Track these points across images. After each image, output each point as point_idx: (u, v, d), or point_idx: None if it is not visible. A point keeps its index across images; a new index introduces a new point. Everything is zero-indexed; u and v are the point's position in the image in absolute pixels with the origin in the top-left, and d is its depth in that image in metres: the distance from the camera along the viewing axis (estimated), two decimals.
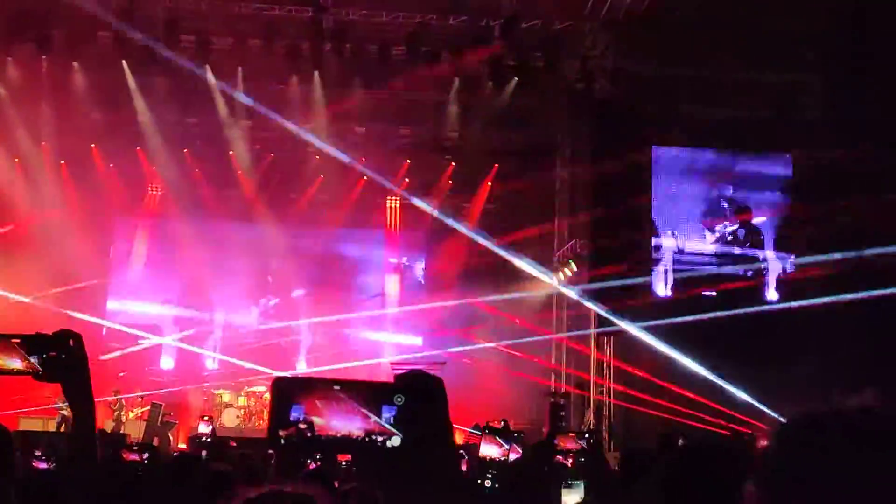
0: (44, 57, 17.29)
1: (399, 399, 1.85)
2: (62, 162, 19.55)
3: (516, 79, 17.85)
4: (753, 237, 18.08)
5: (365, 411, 1.84)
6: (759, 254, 18.08)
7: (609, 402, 17.87)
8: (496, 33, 17.50)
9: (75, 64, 17.61)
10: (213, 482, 5.01)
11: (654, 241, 17.77)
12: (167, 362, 20.50)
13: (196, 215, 20.16)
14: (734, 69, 16.80)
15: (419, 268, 21.74)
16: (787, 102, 17.68)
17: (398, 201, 20.92)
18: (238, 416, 19.20)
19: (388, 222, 21.15)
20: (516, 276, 19.15)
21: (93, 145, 19.28)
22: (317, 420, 1.85)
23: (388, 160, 19.78)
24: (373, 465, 1.94)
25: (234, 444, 14.76)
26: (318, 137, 19.31)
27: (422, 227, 20.94)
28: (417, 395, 1.84)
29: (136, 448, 7.78)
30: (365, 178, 20.20)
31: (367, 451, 1.84)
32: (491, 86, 18.06)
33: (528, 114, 18.48)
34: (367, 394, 1.87)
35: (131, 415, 18.88)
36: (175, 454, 13.29)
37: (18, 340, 2.66)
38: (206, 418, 16.61)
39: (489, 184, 20.74)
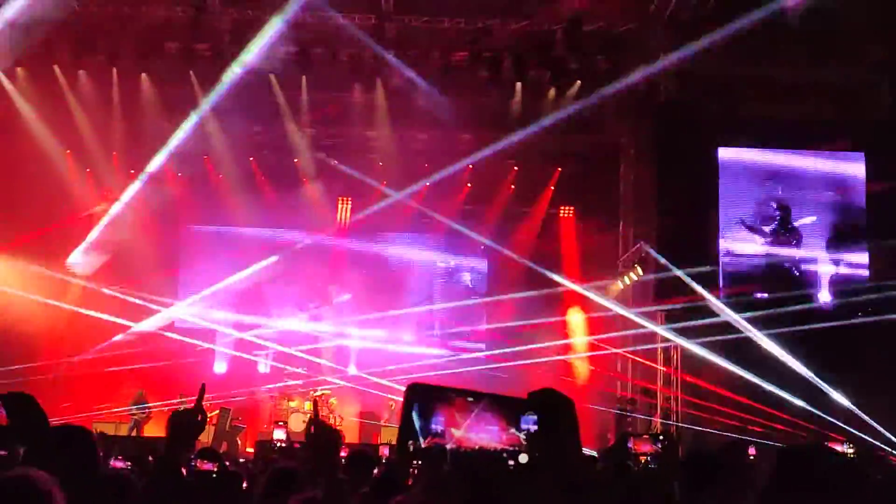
0: (114, 69, 17.62)
1: (531, 416, 1.86)
2: (132, 171, 19.93)
3: (579, 82, 17.77)
4: (808, 238, 17.71)
5: (502, 425, 1.84)
6: (812, 255, 17.67)
7: (676, 410, 17.66)
8: (559, 36, 17.43)
9: (144, 75, 17.93)
10: (279, 479, 5.07)
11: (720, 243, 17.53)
12: (220, 367, 20.78)
13: (261, 222, 20.46)
14: (799, 68, 16.54)
15: (480, 274, 21.71)
16: (854, 101, 17.34)
17: (459, 206, 20.93)
18: (304, 422, 19.36)
19: (449, 227, 21.13)
20: (580, 282, 19.07)
21: (161, 154, 19.59)
22: (455, 432, 1.85)
23: (450, 166, 19.82)
24: (503, 481, 1.93)
25: (299, 446, 14.94)
26: (381, 144, 19.48)
27: (484, 232, 20.92)
28: (549, 413, 1.85)
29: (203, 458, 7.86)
30: (427, 183, 20.28)
31: (498, 466, 1.84)
32: (554, 89, 17.98)
33: (591, 117, 18.36)
34: (502, 407, 1.87)
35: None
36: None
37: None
38: (280, 423, 16.76)
39: (552, 188, 20.68)
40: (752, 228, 17.47)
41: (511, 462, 1.84)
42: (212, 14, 16.85)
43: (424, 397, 1.88)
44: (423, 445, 1.86)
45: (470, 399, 1.88)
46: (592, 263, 20.30)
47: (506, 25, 17.21)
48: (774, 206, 17.63)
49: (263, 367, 20.73)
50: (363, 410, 19.96)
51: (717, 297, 16.83)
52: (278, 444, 15.52)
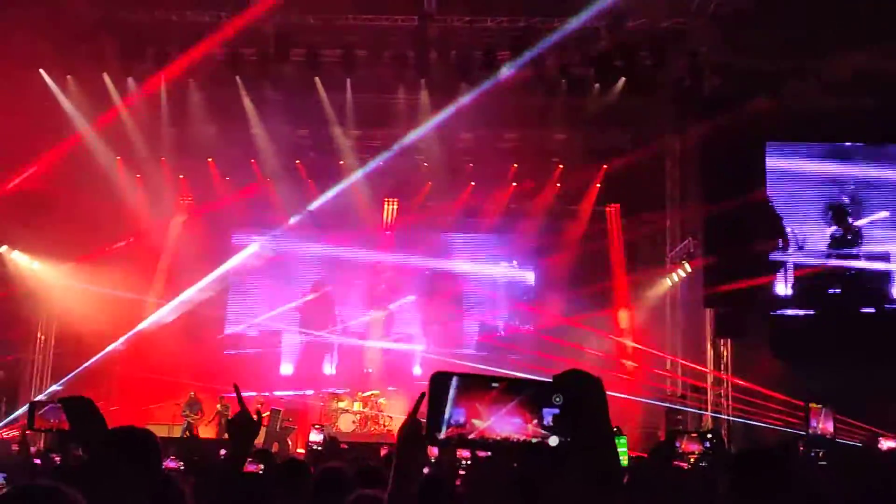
0: (161, 75, 17.86)
1: (558, 398, 1.85)
2: (181, 176, 20.20)
3: (623, 78, 17.66)
4: (874, 233, 17.43)
5: (527, 412, 1.83)
6: (883, 250, 17.42)
7: (728, 407, 17.49)
8: (602, 33, 17.34)
9: (191, 81, 18.15)
10: (325, 479, 5.11)
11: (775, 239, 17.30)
12: (287, 368, 21.01)
13: (308, 224, 20.66)
14: (848, 59, 16.26)
15: (529, 274, 21.69)
16: None
17: (505, 205, 20.92)
18: (354, 422, 19.49)
19: (496, 227, 21.15)
20: (629, 279, 18.98)
21: (209, 159, 19.85)
22: (477, 423, 1.85)
23: (495, 165, 19.85)
24: (534, 467, 1.94)
25: (346, 447, 15.00)
26: (425, 144, 19.53)
27: (530, 232, 20.90)
28: (576, 394, 1.84)
29: (250, 458, 7.96)
30: (473, 183, 20.32)
31: (528, 453, 1.83)
32: (598, 86, 17.90)
33: (636, 113, 18.26)
34: (527, 392, 1.86)
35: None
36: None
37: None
38: (317, 426, 16.88)
39: (598, 185, 20.58)
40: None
41: (540, 448, 1.83)
42: (256, 19, 16.99)
43: (448, 386, 1.88)
44: (442, 436, 1.87)
45: (495, 385, 1.87)
46: (640, 261, 20.22)
47: (549, 23, 17.14)
48: (833, 201, 17.42)
49: (329, 368, 20.94)
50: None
51: (771, 292, 16.65)
52: (313, 447, 15.60)
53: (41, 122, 17.16)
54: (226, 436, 17.46)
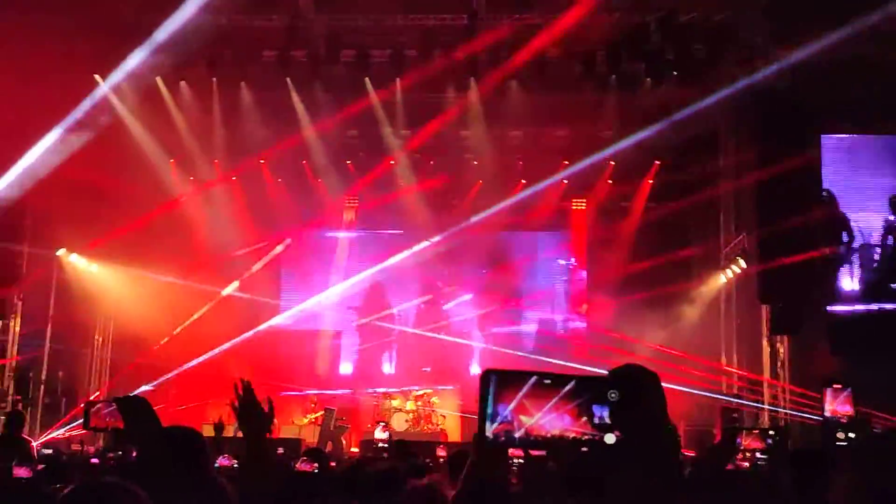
0: (213, 79, 18.05)
1: (613, 395, 1.79)
2: (234, 178, 20.41)
3: (675, 73, 17.46)
4: None
5: (577, 409, 1.78)
6: None
7: (784, 404, 17.21)
8: (653, 28, 17.16)
9: (242, 84, 18.32)
10: (383, 478, 5.12)
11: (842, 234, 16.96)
12: (346, 367, 21.16)
13: (361, 224, 20.78)
14: None
15: (583, 271, 21.57)
16: None
17: (558, 203, 20.82)
18: (407, 421, 19.53)
19: (550, 224, 21.05)
20: (683, 275, 18.78)
21: (262, 161, 20.02)
22: (525, 420, 1.80)
23: (546, 162, 19.78)
24: (587, 465, 1.89)
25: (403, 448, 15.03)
26: (475, 143, 19.52)
27: (581, 229, 20.79)
28: (632, 389, 1.78)
29: (305, 458, 8.00)
30: (523, 181, 20.26)
31: (580, 449, 1.78)
32: (649, 81, 17.71)
33: (689, 108, 18.02)
34: (578, 388, 1.81)
35: (305, 420, 19.52)
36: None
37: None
38: (382, 424, 16.91)
39: (650, 182, 20.39)
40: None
41: (593, 446, 1.77)
42: (306, 21, 17.11)
43: (499, 383, 1.83)
44: (490, 434, 1.82)
45: (547, 381, 1.81)
46: (694, 257, 19.98)
47: (598, 19, 17.01)
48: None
49: (388, 367, 21.04)
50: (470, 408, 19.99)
51: (834, 287, 16.33)
52: (379, 444, 15.65)
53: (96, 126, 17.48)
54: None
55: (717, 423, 17.66)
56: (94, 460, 11.86)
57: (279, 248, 21.04)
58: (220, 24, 17.10)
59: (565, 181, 20.37)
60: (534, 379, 1.84)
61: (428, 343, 20.60)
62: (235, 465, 9.38)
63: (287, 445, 15.04)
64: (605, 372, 1.83)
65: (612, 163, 20.03)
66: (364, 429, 19.39)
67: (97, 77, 17.59)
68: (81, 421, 16.14)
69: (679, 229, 20.14)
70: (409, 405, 19.73)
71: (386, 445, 15.23)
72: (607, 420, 1.78)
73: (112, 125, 18.03)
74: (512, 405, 1.82)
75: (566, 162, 20.00)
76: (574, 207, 21.18)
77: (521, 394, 1.83)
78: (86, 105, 17.13)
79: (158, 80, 17.96)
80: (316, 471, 7.44)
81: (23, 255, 17.77)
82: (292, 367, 19.06)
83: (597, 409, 1.79)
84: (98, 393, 18.92)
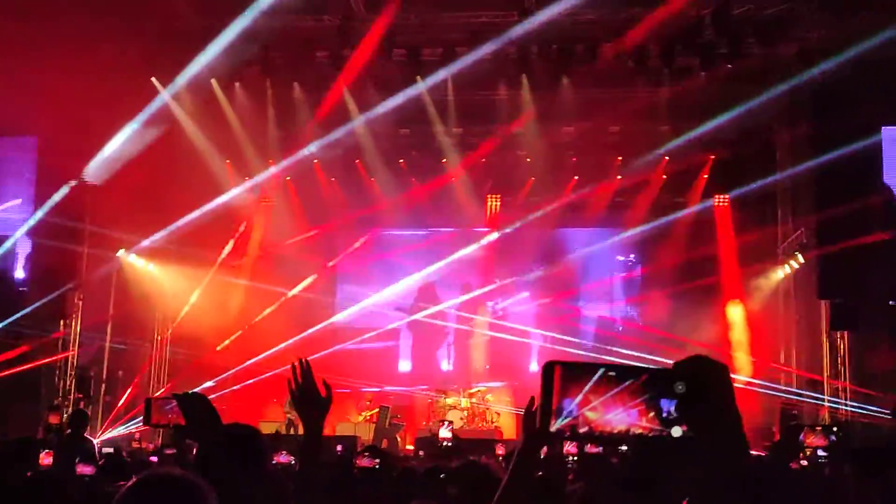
0: (267, 80, 18.21)
1: (680, 387, 1.75)
2: (288, 178, 20.58)
3: (729, 66, 17.23)
4: None
5: (643, 403, 1.74)
6: None
7: (845, 402, 16.91)
8: (706, 22, 16.97)
9: (295, 84, 18.46)
10: (432, 476, 5.12)
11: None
12: (405, 365, 21.26)
13: (414, 222, 20.84)
14: None
15: (634, 268, 21.40)
16: None
17: (610, 199, 20.68)
18: (462, 418, 19.54)
19: (602, 220, 20.91)
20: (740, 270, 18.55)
21: (315, 161, 20.16)
22: (590, 414, 1.77)
23: (599, 158, 19.66)
24: (654, 459, 1.85)
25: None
26: (528, 139, 19.47)
27: (635, 224, 20.61)
28: (700, 382, 1.74)
29: (366, 454, 8.05)
30: (576, 177, 20.17)
31: (646, 445, 1.74)
32: (703, 76, 17.51)
33: (744, 102, 17.78)
34: (643, 381, 1.76)
35: (361, 417, 19.64)
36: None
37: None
38: (444, 422, 16.93)
39: (705, 177, 20.16)
40: None
41: (659, 441, 1.72)
42: (358, 21, 17.19)
43: (562, 375, 1.79)
44: (553, 429, 1.78)
45: (610, 374, 1.76)
46: (751, 252, 19.68)
47: (650, 14, 16.84)
48: None
49: (446, 364, 21.08)
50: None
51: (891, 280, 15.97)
52: (443, 444, 15.65)
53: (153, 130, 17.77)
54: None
55: (776, 420, 17.43)
56: (153, 458, 12.06)
57: (358, 243, 21.03)
58: (274, 25, 17.25)
59: (619, 176, 20.21)
60: (599, 371, 1.80)
61: (485, 341, 20.60)
62: (293, 462, 9.49)
63: (343, 442, 15.14)
64: (670, 363, 1.79)
65: (667, 158, 19.83)
66: (419, 426, 19.43)
67: (154, 81, 17.85)
68: (141, 418, 16.44)
69: (735, 225, 19.88)
70: (464, 402, 19.74)
71: (450, 444, 15.23)
72: (673, 414, 1.73)
73: (169, 128, 18.31)
74: (577, 399, 1.79)
75: (619, 158, 19.85)
76: (630, 203, 21.01)
77: (585, 387, 1.79)
78: (147, 108, 17.42)
79: (213, 82, 18.16)
80: (377, 466, 7.50)
81: (83, 256, 18.10)
82: (347, 365, 19.17)
83: (665, 404, 1.75)
84: (163, 390, 19.21)
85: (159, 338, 20.50)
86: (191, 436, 3.32)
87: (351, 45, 17.45)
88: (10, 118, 15.75)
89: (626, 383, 1.77)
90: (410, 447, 17.97)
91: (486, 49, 17.33)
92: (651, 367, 1.78)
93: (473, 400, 19.79)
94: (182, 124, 18.55)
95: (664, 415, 1.74)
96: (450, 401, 19.86)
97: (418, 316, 20.86)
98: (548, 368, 1.81)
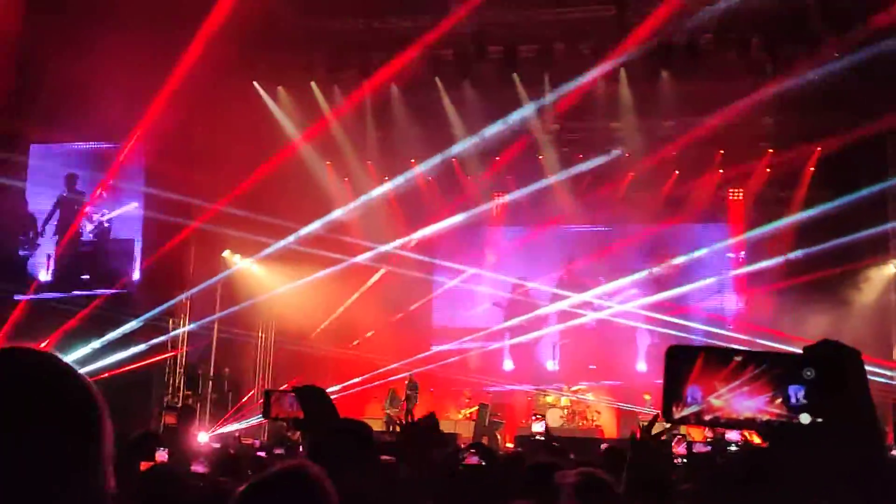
0: (365, 81, 18.42)
1: (809, 373, 1.69)
2: (385, 178, 20.77)
3: (836, 55, 16.71)
4: None
5: (770, 389, 1.69)
6: None
7: None
8: (811, 9, 16.51)
9: (393, 85, 18.63)
10: (534, 474, 5.11)
11: None
12: (508, 364, 21.28)
13: (512, 220, 20.81)
14: None
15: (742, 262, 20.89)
16: None
17: (713, 193, 20.26)
18: (562, 417, 19.42)
19: (707, 215, 20.46)
20: (850, 266, 17.99)
21: (412, 160, 20.29)
22: (714, 401, 1.73)
23: (700, 152, 19.27)
24: (783, 446, 1.80)
25: (557, 444, 14.95)
26: (625, 134, 19.25)
27: (738, 220, 20.19)
28: (831, 367, 1.67)
29: (473, 451, 8.05)
30: (677, 172, 19.84)
31: (773, 431, 1.69)
32: (808, 66, 17.02)
33: (852, 92, 17.22)
34: (773, 367, 1.71)
35: (460, 415, 19.70)
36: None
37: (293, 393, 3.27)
38: (536, 416, 16.89)
39: (811, 169, 19.58)
40: None
41: (787, 428, 1.67)
42: (455, 19, 17.24)
43: (685, 360, 1.75)
44: (677, 417, 1.74)
45: (737, 358, 1.72)
46: (862, 245, 19.03)
47: (753, 4, 16.46)
48: None
49: (552, 364, 21.02)
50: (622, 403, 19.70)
51: None
52: (536, 437, 15.63)
53: (255, 132, 18.15)
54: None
55: (888, 419, 16.86)
56: (261, 453, 12.31)
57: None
58: (371, 27, 17.47)
59: (721, 171, 19.81)
60: (723, 355, 1.75)
61: (591, 339, 20.41)
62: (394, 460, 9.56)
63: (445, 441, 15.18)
64: (798, 350, 1.73)
65: (771, 151, 19.35)
66: (519, 424, 19.38)
67: (255, 84, 18.24)
68: (247, 414, 16.75)
69: (843, 218, 19.22)
70: (564, 401, 19.62)
71: (542, 439, 15.19)
72: (804, 401, 1.68)
73: (270, 130, 18.69)
74: (700, 384, 1.74)
75: (721, 151, 19.45)
76: (731, 198, 20.55)
77: (709, 373, 1.74)
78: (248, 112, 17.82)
79: (313, 84, 18.46)
80: (483, 464, 7.50)
81: (190, 258, 18.61)
82: (451, 364, 19.30)
83: (793, 390, 1.69)
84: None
85: (263, 336, 20.92)
86: (309, 428, 3.37)
87: (447, 44, 17.52)
88: (121, 125, 16.31)
89: (752, 369, 1.72)
90: (510, 445, 17.94)
91: (584, 44, 17.22)
92: (778, 352, 1.74)
93: (573, 399, 19.65)
94: (283, 127, 18.90)
95: (792, 402, 1.69)
96: (549, 399, 19.76)
97: (539, 313, 20.71)
98: (670, 353, 1.77)
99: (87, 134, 17.61)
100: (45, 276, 17.95)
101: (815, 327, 17.64)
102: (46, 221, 18.12)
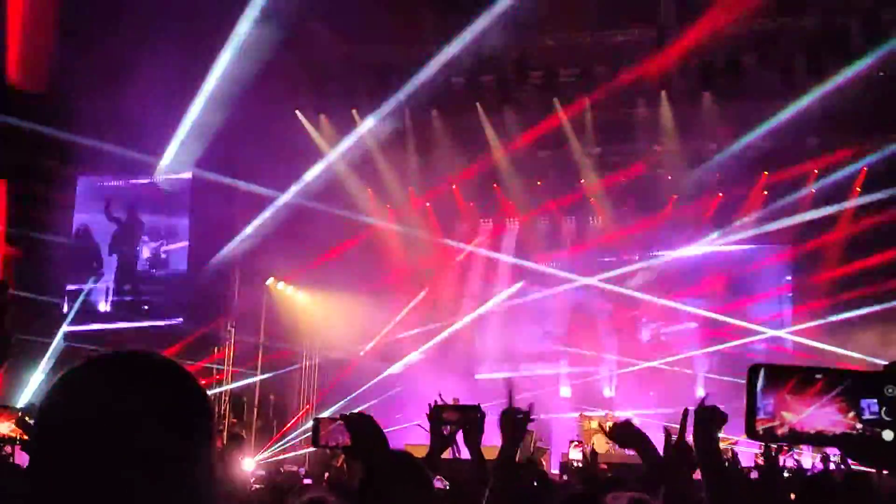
0: (406, 108, 18.50)
1: (891, 390, 1.69)
2: (428, 204, 20.81)
3: (881, 74, 16.52)
4: None
5: (843, 405, 1.69)
6: None
7: None
8: (854, 31, 16.35)
9: (434, 111, 18.70)
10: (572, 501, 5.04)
11: None
12: (565, 391, 21.13)
13: (554, 245, 20.71)
14: None
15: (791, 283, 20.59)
16: None
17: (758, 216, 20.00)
18: (608, 442, 19.19)
19: (755, 238, 20.14)
20: None
21: (454, 186, 20.32)
22: (787, 416, 1.74)
23: (743, 173, 19.06)
24: (865, 461, 1.80)
25: (605, 466, 14.78)
26: (670, 157, 19.13)
27: (784, 240, 19.90)
28: None
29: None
30: (720, 194, 19.63)
31: (852, 444, 1.69)
32: (852, 85, 16.85)
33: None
34: (851, 384, 1.72)
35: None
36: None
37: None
38: (575, 443, 16.74)
39: (857, 189, 19.29)
40: None
41: (866, 442, 1.67)
42: (494, 47, 17.30)
43: (766, 377, 1.77)
44: (760, 430, 1.75)
45: (818, 377, 1.73)
46: None
47: (796, 23, 16.36)
48: None
49: (608, 390, 20.86)
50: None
51: None
52: (575, 464, 15.48)
53: (297, 159, 18.35)
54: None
55: None
56: (307, 480, 12.32)
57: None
58: (408, 54, 17.58)
59: (765, 192, 19.58)
60: (799, 373, 1.77)
61: (647, 368, 20.11)
62: (447, 486, 9.51)
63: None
64: (870, 369, 1.73)
65: (816, 171, 19.09)
66: (564, 451, 19.21)
67: (298, 113, 18.43)
68: (295, 441, 16.75)
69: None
70: (609, 425, 19.38)
71: (581, 465, 15.05)
72: (882, 416, 1.68)
73: (310, 158, 18.87)
74: (776, 401, 1.76)
75: (766, 172, 19.24)
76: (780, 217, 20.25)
77: (787, 390, 1.76)
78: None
79: (354, 112, 18.60)
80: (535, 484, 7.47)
81: (234, 286, 18.76)
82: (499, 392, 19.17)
83: (865, 404, 1.70)
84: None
85: (307, 363, 20.98)
86: (358, 456, 3.36)
87: (487, 70, 17.57)
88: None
89: (830, 386, 1.73)
90: (555, 471, 17.78)
91: (624, 67, 17.17)
92: (859, 370, 1.74)
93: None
94: (324, 153, 19.06)
95: (865, 415, 1.70)
96: (594, 425, 19.56)
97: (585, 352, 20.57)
98: (752, 371, 1.79)
99: (132, 167, 17.88)
100: (104, 306, 18.29)
101: (869, 347, 17.32)
102: (109, 253, 18.44)
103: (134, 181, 18.54)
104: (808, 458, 12.35)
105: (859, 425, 1.70)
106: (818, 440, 1.74)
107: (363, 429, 3.44)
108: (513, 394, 3.97)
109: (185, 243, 18.25)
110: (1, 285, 2.01)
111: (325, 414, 17.39)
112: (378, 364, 20.15)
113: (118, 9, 14.62)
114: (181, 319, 17.74)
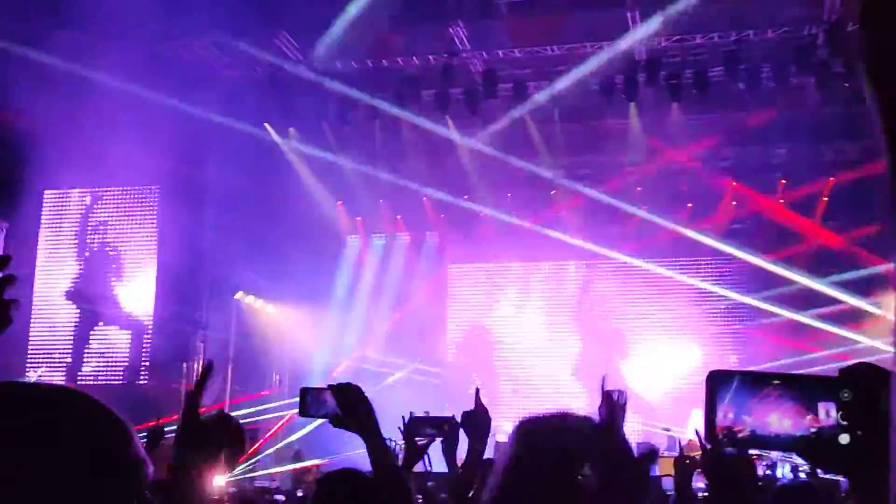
0: (377, 120, 18.47)
1: (846, 395, 1.69)
2: (398, 216, 20.78)
3: (847, 85, 16.69)
4: None
5: (802, 408, 1.70)
6: None
7: None
8: (820, 41, 16.53)
9: (404, 124, 18.67)
10: None
11: None
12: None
13: (522, 257, 20.71)
14: None
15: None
16: None
17: (727, 226, 20.08)
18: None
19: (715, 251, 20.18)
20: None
21: (424, 198, 20.28)
22: (747, 420, 1.74)
23: (712, 184, 19.18)
24: (822, 465, 1.81)
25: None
26: (637, 168, 19.19)
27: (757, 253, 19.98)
28: (866, 389, 1.67)
29: None
30: (690, 205, 19.64)
31: (808, 447, 1.70)
32: (819, 96, 17.04)
33: (863, 122, 17.15)
34: (807, 389, 1.72)
35: None
36: None
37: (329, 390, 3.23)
38: None
39: (824, 199, 19.44)
40: None
41: (822, 444, 1.68)
42: (464, 59, 17.34)
43: (722, 384, 1.77)
44: (719, 438, 1.77)
45: (776, 382, 1.74)
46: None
47: (762, 35, 16.51)
48: None
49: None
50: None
51: None
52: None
53: (269, 175, 18.30)
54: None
55: None
56: (279, 496, 12.20)
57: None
58: (380, 66, 17.57)
59: (734, 202, 19.69)
60: (759, 379, 1.77)
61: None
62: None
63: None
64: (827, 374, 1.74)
65: (783, 181, 19.24)
66: None
67: (267, 126, 18.37)
68: (260, 461, 16.49)
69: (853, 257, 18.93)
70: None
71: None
72: (839, 421, 1.68)
73: (280, 170, 18.81)
74: (736, 406, 1.76)
75: (734, 182, 19.37)
76: (746, 230, 20.33)
77: (745, 395, 1.76)
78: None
79: (325, 125, 18.55)
80: None
81: (202, 302, 18.60)
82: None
83: (823, 408, 1.70)
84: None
85: (277, 377, 20.80)
86: (347, 426, 3.28)
87: (456, 82, 17.57)
88: (134, 168, 16.39)
89: (788, 390, 1.73)
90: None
91: (593, 79, 17.23)
92: (815, 375, 1.75)
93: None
94: (295, 167, 19.01)
95: (823, 421, 1.70)
96: None
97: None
98: (710, 378, 1.79)
99: (99, 179, 17.74)
100: None
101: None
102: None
103: (96, 191, 18.40)
104: (780, 468, 12.37)
105: (816, 429, 1.70)
106: (777, 445, 1.74)
107: (351, 398, 3.36)
108: (479, 397, 3.94)
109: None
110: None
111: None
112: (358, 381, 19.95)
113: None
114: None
